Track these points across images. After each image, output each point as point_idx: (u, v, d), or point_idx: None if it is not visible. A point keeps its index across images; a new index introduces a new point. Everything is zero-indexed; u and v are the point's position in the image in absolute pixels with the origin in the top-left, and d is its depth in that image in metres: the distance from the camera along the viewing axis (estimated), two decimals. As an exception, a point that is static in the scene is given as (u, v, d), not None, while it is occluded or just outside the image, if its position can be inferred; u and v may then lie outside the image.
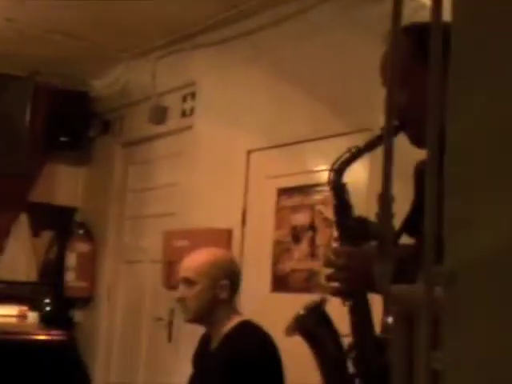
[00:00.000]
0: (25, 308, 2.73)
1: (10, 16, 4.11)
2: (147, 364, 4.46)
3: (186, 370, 2.68)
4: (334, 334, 1.69)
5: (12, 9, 4.02)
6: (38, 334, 2.19)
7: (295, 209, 3.49)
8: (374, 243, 1.55)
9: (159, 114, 4.48)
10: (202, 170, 4.12)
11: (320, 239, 3.34)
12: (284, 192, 3.56)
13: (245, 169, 3.82)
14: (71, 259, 5.01)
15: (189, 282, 2.46)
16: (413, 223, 1.54)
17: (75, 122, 4.99)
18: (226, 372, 2.34)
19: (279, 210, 3.58)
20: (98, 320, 4.94)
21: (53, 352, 2.02)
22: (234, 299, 2.54)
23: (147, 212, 4.76)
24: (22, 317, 2.74)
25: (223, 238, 3.73)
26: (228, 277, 2.49)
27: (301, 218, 3.44)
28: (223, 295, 2.47)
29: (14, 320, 2.72)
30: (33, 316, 2.72)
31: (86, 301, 5.08)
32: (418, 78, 1.48)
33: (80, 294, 5.03)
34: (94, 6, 3.94)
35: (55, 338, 2.11)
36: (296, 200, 3.49)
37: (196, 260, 2.51)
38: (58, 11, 4.03)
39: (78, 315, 5.13)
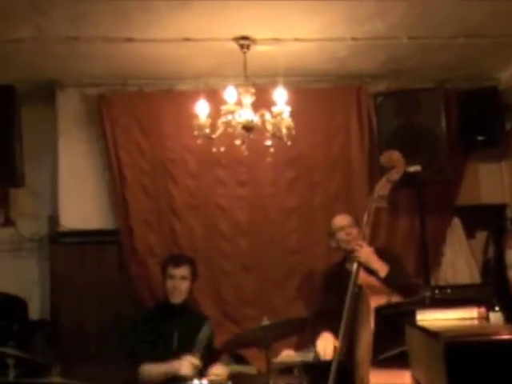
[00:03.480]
0: (483, 309, 2.78)
1: (411, 34, 4.30)
2: None
3: None
4: None
5: (412, 27, 4.20)
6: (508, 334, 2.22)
7: None
8: None
9: None
10: None
11: None
12: None
13: None
14: (510, 256, 4.93)
15: None
16: None
17: (489, 118, 4.95)
18: None
19: None
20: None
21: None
22: None
23: None
24: (483, 318, 2.79)
25: None
26: None
27: None
28: None
29: (475, 322, 2.79)
30: (495, 316, 2.75)
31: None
32: None
33: (527, 289, 4.91)
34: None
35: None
36: None
37: None
38: (455, 16, 4.07)
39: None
